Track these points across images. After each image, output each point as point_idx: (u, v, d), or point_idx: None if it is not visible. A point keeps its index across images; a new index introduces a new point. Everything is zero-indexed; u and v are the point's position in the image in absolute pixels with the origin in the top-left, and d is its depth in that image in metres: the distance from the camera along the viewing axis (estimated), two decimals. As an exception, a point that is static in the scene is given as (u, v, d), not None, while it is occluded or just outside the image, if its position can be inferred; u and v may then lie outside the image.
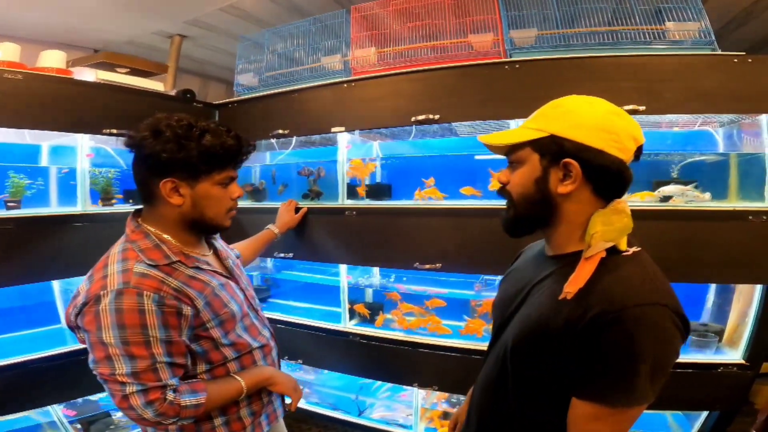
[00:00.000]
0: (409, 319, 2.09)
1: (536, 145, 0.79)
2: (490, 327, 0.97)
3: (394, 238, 1.95)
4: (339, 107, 2.02)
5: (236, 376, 1.06)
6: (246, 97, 2.33)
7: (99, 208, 1.95)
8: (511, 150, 0.83)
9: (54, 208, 1.92)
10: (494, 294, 0.99)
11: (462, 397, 1.99)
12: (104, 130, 1.84)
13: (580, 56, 1.67)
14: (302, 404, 2.41)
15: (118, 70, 2.30)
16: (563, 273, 0.75)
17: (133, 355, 0.88)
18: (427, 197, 1.97)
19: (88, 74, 1.92)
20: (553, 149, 0.77)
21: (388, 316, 2.20)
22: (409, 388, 2.19)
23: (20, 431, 1.81)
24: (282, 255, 2.18)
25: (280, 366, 1.26)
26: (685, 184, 1.64)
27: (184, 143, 0.97)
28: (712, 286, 1.91)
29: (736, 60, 1.52)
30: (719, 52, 1.61)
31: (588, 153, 0.74)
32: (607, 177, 0.75)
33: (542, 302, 0.78)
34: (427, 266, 1.87)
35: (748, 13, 2.47)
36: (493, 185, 1.74)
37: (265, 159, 2.64)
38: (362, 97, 1.97)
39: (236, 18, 2.62)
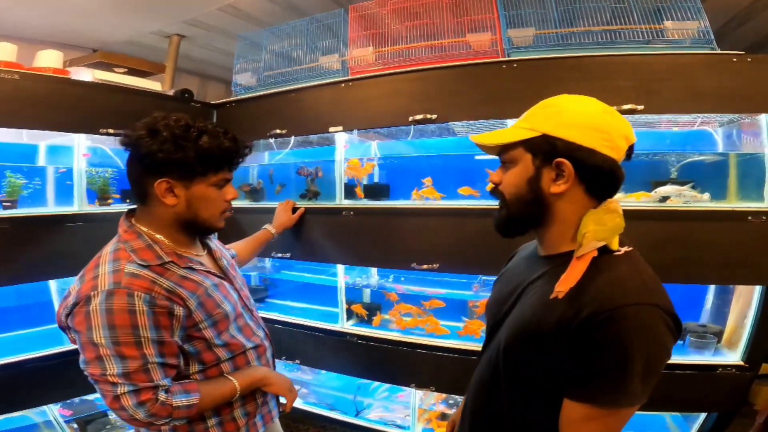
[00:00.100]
0: (406, 319, 2.08)
1: (528, 144, 0.78)
2: (487, 328, 0.96)
3: (392, 238, 1.94)
4: (337, 107, 2.01)
5: (230, 377, 1.05)
6: (244, 96, 2.32)
7: (96, 208, 1.95)
8: (503, 150, 0.82)
9: (51, 207, 1.92)
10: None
11: (459, 398, 1.99)
12: (101, 130, 1.84)
13: (578, 55, 1.66)
14: (300, 404, 2.40)
15: (116, 69, 2.30)
16: (556, 273, 0.75)
17: (124, 356, 0.88)
18: (424, 197, 1.96)
19: (85, 74, 1.92)
20: (546, 149, 0.76)
21: (386, 316, 2.19)
22: (406, 388, 2.19)
23: (17, 430, 1.81)
24: (279, 255, 2.17)
25: (275, 366, 1.26)
26: (682, 184, 1.63)
27: (181, 143, 0.97)
28: (711, 287, 1.89)
29: (735, 59, 1.51)
30: (718, 51, 1.60)
31: (580, 152, 0.74)
32: (600, 176, 0.75)
33: (535, 302, 0.78)
34: (425, 266, 1.86)
35: (747, 13, 2.45)
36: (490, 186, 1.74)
37: (264, 159, 2.64)
38: (360, 96, 1.97)
39: (234, 18, 2.62)
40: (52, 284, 1.99)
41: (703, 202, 1.62)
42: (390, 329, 2.10)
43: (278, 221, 1.93)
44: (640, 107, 1.55)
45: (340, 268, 2.21)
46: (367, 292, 2.35)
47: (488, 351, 0.89)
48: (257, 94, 2.28)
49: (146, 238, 1.00)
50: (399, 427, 2.21)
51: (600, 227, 0.73)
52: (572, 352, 0.69)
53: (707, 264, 1.57)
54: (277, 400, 1.24)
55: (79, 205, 1.90)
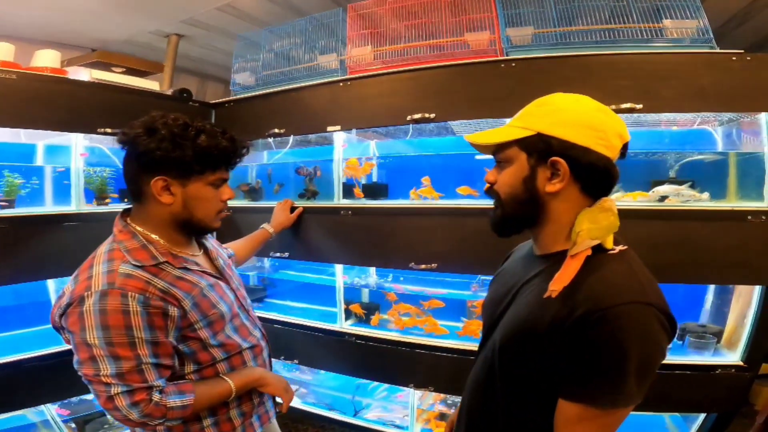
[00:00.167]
0: (405, 319, 2.07)
1: (523, 143, 0.78)
2: (485, 328, 0.95)
3: (390, 237, 1.94)
4: (335, 106, 2.01)
5: (225, 377, 1.05)
6: (242, 96, 2.32)
7: (94, 208, 1.95)
8: (498, 149, 0.82)
9: (49, 207, 1.92)
10: (489, 295, 0.98)
11: (458, 399, 1.98)
12: (99, 130, 1.84)
13: (576, 54, 1.65)
14: (298, 404, 2.40)
15: (114, 69, 2.30)
16: (551, 272, 0.75)
17: (118, 356, 0.88)
18: (422, 196, 1.96)
19: (82, 74, 1.91)
20: (541, 147, 0.76)
21: (384, 316, 2.19)
22: (405, 388, 2.18)
23: (14, 430, 1.81)
24: (278, 255, 2.17)
25: (271, 366, 1.25)
26: (680, 183, 1.62)
27: (179, 142, 0.97)
28: (711, 287, 1.89)
29: (734, 58, 1.50)
30: (717, 50, 1.59)
31: (575, 151, 0.73)
32: (595, 175, 0.75)
33: (530, 302, 0.77)
34: (423, 266, 1.86)
35: (746, 13, 2.44)
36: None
37: (263, 158, 2.64)
38: (358, 95, 1.96)
39: (233, 17, 2.62)
40: (50, 284, 1.99)
41: (701, 201, 1.61)
42: (389, 329, 2.10)
43: (276, 220, 1.93)
44: (639, 106, 1.54)
45: (339, 268, 2.21)
46: (365, 292, 2.34)
47: (484, 351, 0.89)
48: (256, 93, 2.27)
49: (141, 238, 1.00)
50: (397, 427, 2.20)
51: (594, 226, 0.73)
52: (566, 352, 0.68)
53: (706, 264, 1.56)
54: (274, 400, 1.23)
55: (77, 204, 1.90)
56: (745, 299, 1.68)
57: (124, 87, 2.01)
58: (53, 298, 2.03)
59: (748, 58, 1.49)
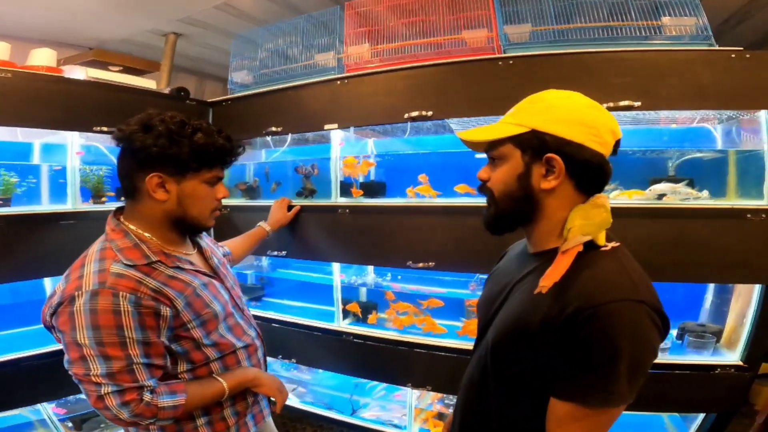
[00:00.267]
0: (402, 317, 2.07)
1: (517, 140, 0.77)
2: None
3: (388, 236, 1.93)
4: (332, 104, 2.00)
5: (218, 378, 1.04)
6: (240, 94, 2.31)
7: (90, 206, 1.94)
8: (491, 146, 0.81)
9: (45, 206, 1.91)
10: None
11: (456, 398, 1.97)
12: (95, 128, 1.84)
13: (574, 52, 1.64)
14: (296, 404, 2.40)
15: (111, 68, 2.29)
16: (543, 269, 0.74)
17: (108, 356, 0.87)
18: (418, 194, 1.95)
19: (78, 72, 1.91)
20: (535, 144, 0.75)
21: (382, 315, 2.18)
22: (403, 388, 2.17)
23: (11, 429, 1.81)
24: (275, 253, 2.16)
25: (266, 366, 1.25)
26: (676, 182, 1.61)
27: (176, 139, 0.97)
28: (711, 286, 1.87)
29: (733, 55, 1.49)
30: (716, 47, 1.58)
31: (570, 147, 0.73)
32: (589, 171, 0.74)
33: (522, 300, 0.77)
34: (420, 265, 1.85)
35: (746, 11, 2.42)
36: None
37: (260, 157, 2.63)
38: (355, 94, 1.96)
39: (231, 16, 2.61)
40: (47, 282, 1.99)
41: (700, 199, 1.60)
42: (386, 328, 2.09)
43: (273, 219, 1.92)
44: (638, 104, 1.53)
45: (336, 267, 2.20)
46: (363, 291, 2.34)
47: (478, 350, 0.89)
48: (253, 91, 2.27)
49: (133, 236, 0.99)
50: (396, 426, 2.20)
51: (586, 222, 0.73)
52: (558, 350, 0.67)
53: (706, 263, 1.55)
54: (269, 399, 1.23)
55: (73, 203, 1.90)
56: (745, 298, 1.67)
57: (121, 85, 2.00)
58: (50, 297, 2.03)
59: (748, 56, 1.48)
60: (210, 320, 1.04)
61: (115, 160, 1.04)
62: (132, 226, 1.01)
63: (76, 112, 1.81)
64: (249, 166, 2.52)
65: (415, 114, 1.80)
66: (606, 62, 1.58)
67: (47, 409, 1.90)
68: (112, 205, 1.99)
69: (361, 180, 2.10)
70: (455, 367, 1.86)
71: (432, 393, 2.13)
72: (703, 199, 1.60)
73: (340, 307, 2.18)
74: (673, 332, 1.81)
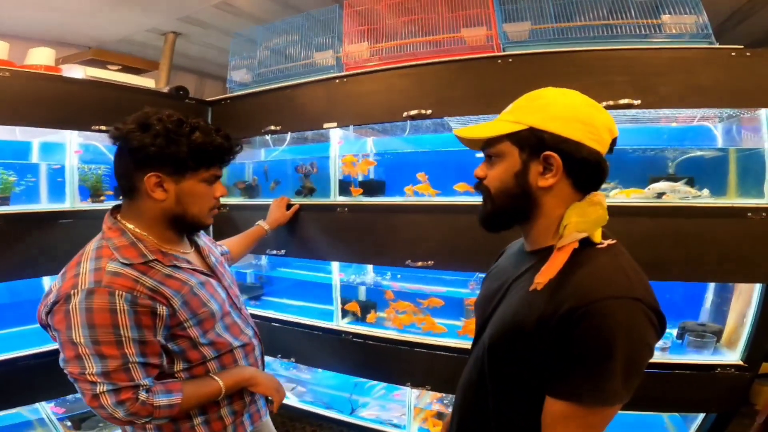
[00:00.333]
0: (401, 316, 2.06)
1: (515, 138, 0.76)
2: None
3: (387, 235, 1.93)
4: (331, 103, 2.00)
5: (215, 377, 1.04)
6: (239, 93, 2.31)
7: (89, 205, 1.95)
8: (488, 144, 0.80)
9: (44, 204, 1.91)
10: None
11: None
12: (93, 127, 1.84)
13: (573, 50, 1.64)
14: (295, 403, 2.39)
15: (110, 67, 2.29)
16: (540, 267, 0.73)
17: (104, 355, 0.87)
18: (417, 192, 1.94)
19: (77, 71, 1.91)
20: (533, 142, 0.75)
21: (381, 314, 2.17)
22: (402, 387, 2.17)
23: (10, 428, 1.81)
24: (274, 252, 2.16)
25: (263, 365, 1.24)
26: (675, 180, 1.60)
27: (174, 138, 0.96)
28: (711, 286, 1.87)
29: (734, 53, 1.48)
30: (716, 45, 1.57)
31: (567, 145, 0.73)
32: (587, 169, 0.74)
33: (519, 298, 0.76)
34: (420, 264, 1.84)
35: (747, 9, 2.41)
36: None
37: (260, 155, 2.63)
38: (354, 92, 1.95)
39: (230, 15, 2.61)
40: (45, 281, 1.99)
41: (701, 198, 1.59)
42: (386, 327, 2.09)
43: (272, 217, 1.92)
44: (637, 102, 1.52)
45: (335, 266, 2.20)
46: (362, 290, 2.33)
47: (476, 349, 0.88)
48: (252, 90, 2.27)
49: (130, 235, 0.99)
50: (395, 426, 2.19)
51: (582, 219, 0.72)
52: (553, 349, 0.67)
53: (706, 261, 1.54)
54: (266, 398, 1.22)
55: (72, 202, 1.90)
56: (745, 298, 1.66)
57: (119, 84, 2.00)
58: (49, 296, 2.03)
59: (748, 54, 1.47)
60: (207, 319, 1.04)
61: (113, 159, 1.03)
62: (129, 225, 1.01)
63: (75, 111, 1.81)
64: (248, 165, 2.51)
65: (414, 112, 1.79)
66: (606, 60, 1.58)
67: (46, 409, 1.90)
68: (111, 204, 1.98)
69: (360, 179, 2.10)
70: (455, 367, 1.84)
71: (431, 392, 2.13)
72: (704, 198, 1.59)
73: (339, 306, 2.18)
74: (674, 332, 1.81)
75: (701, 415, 1.77)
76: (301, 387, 2.53)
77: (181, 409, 0.96)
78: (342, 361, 2.13)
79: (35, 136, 2.00)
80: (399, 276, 2.31)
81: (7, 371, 1.67)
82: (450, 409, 2.12)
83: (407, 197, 1.97)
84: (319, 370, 2.44)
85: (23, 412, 1.84)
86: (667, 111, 1.66)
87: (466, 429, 0.87)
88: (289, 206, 2.04)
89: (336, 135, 2.10)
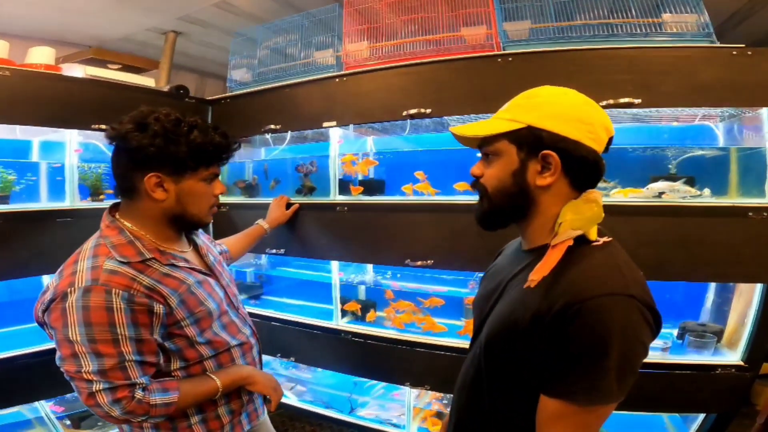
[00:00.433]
0: (399, 315, 2.06)
1: (513, 136, 0.76)
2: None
3: (386, 234, 1.92)
4: (330, 102, 2.00)
5: (212, 375, 1.04)
6: (239, 92, 2.31)
7: (88, 204, 1.95)
8: (485, 142, 0.80)
9: (44, 203, 1.92)
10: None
11: (454, 397, 1.96)
12: (93, 126, 1.84)
13: (574, 49, 1.63)
14: (295, 402, 2.39)
15: (110, 66, 2.29)
16: (535, 265, 0.73)
17: (100, 353, 0.86)
18: (416, 191, 1.94)
19: (77, 70, 1.91)
20: (531, 141, 0.74)
21: (380, 313, 2.17)
22: (401, 387, 2.17)
23: (9, 427, 1.81)
24: (273, 251, 2.16)
25: (261, 364, 1.24)
26: (675, 179, 1.60)
27: (172, 138, 0.96)
28: (712, 285, 1.86)
29: (735, 52, 1.48)
30: (717, 44, 1.57)
31: (566, 144, 0.72)
32: (585, 168, 0.74)
33: (514, 297, 0.76)
34: (419, 263, 1.84)
35: (748, 9, 2.40)
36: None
37: (260, 155, 2.63)
38: (354, 91, 1.95)
39: (230, 14, 2.61)
40: (45, 280, 1.98)
41: (700, 197, 1.58)
42: (385, 327, 2.08)
43: (271, 216, 1.92)
44: (638, 101, 1.52)
45: (335, 265, 2.20)
46: (362, 289, 2.33)
47: (473, 348, 0.88)
48: (252, 89, 2.27)
49: (128, 233, 0.99)
50: (394, 425, 2.19)
51: (577, 216, 0.72)
52: (548, 347, 0.67)
53: (707, 261, 1.53)
54: (264, 398, 1.22)
55: (71, 200, 1.90)
56: (746, 298, 1.65)
57: (119, 83, 2.00)
58: (48, 294, 2.03)
59: (749, 53, 1.47)
60: (204, 318, 1.03)
61: (111, 159, 1.03)
62: (127, 223, 1.01)
63: (75, 110, 1.81)
64: (248, 164, 2.51)
65: (413, 111, 1.79)
66: (606, 59, 1.57)
67: (45, 407, 1.90)
68: (111, 203, 1.99)
69: (360, 178, 2.10)
70: (454, 367, 1.82)
71: (431, 392, 2.12)
72: (705, 197, 1.58)
73: (339, 305, 2.18)
74: (674, 332, 1.80)
75: (701, 416, 1.77)
76: (301, 386, 2.53)
77: (178, 408, 0.96)
78: (341, 361, 2.13)
79: (35, 135, 2.00)
80: (399, 275, 2.30)
81: (6, 370, 1.67)
82: (449, 409, 2.12)
83: (407, 196, 1.96)
84: (319, 369, 2.44)
85: (22, 410, 1.84)
86: (668, 110, 1.66)
87: (463, 428, 0.87)
88: (288, 205, 2.04)
89: (336, 134, 2.10)
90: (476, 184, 0.82)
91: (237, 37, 2.40)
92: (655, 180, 1.63)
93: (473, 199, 1.73)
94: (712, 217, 1.51)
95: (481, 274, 1.00)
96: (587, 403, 0.65)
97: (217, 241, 1.48)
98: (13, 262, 1.70)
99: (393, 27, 2.00)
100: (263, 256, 2.65)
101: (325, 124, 1.98)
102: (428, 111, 1.78)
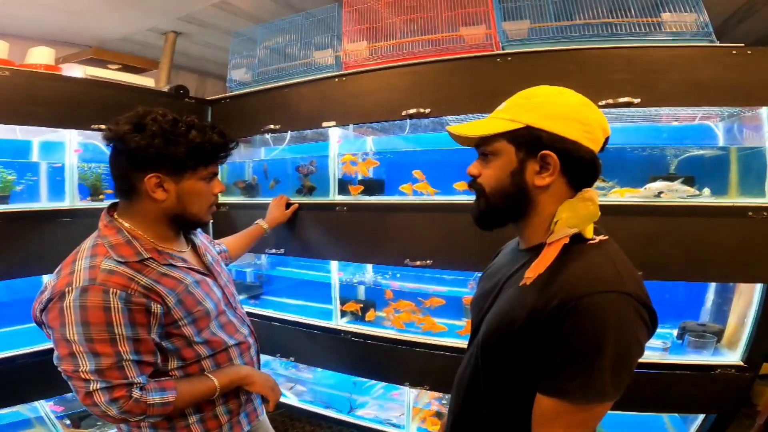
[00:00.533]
0: (398, 314, 2.06)
1: (511, 136, 0.76)
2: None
3: (385, 234, 1.92)
4: (330, 102, 2.00)
5: (210, 375, 1.04)
6: (238, 92, 2.31)
7: (88, 204, 1.95)
8: (483, 142, 0.80)
9: (44, 203, 1.92)
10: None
11: (454, 397, 1.96)
12: (93, 126, 1.84)
13: (573, 48, 1.63)
14: (295, 402, 2.39)
15: (110, 66, 2.29)
16: (532, 264, 0.73)
17: (97, 353, 0.86)
18: (415, 191, 1.94)
19: (76, 71, 1.91)
20: (530, 141, 0.74)
21: (380, 313, 2.17)
22: (401, 387, 2.17)
23: (9, 426, 1.81)
24: (273, 251, 2.16)
25: (259, 363, 1.24)
26: (672, 179, 1.59)
27: (171, 138, 0.96)
28: (712, 285, 1.85)
29: (734, 52, 1.47)
30: (717, 44, 1.56)
31: (564, 144, 0.72)
32: (583, 168, 0.74)
33: (511, 295, 0.76)
34: (418, 263, 1.84)
35: (748, 8, 2.39)
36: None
37: (260, 154, 2.63)
38: (353, 91, 1.95)
39: (230, 14, 2.61)
40: (45, 280, 1.98)
41: (700, 197, 1.58)
42: (384, 327, 2.08)
43: (271, 216, 1.92)
44: (637, 100, 1.51)
45: (334, 265, 2.20)
46: (362, 289, 2.33)
47: (470, 348, 0.88)
48: (252, 89, 2.27)
49: (126, 233, 0.99)
50: (394, 425, 2.19)
51: (573, 215, 0.72)
52: (543, 345, 0.67)
53: (706, 261, 1.53)
54: (263, 398, 1.22)
55: (71, 200, 1.90)
56: (746, 298, 1.65)
57: (119, 84, 2.01)
58: (47, 294, 2.03)
59: (749, 52, 1.46)
60: (201, 318, 1.03)
61: (109, 160, 1.02)
62: (126, 224, 1.01)
63: (75, 110, 1.82)
64: (248, 164, 2.51)
65: (412, 111, 1.79)
66: (605, 59, 1.57)
67: (45, 407, 1.90)
68: (109, 203, 2.00)
69: (359, 177, 2.10)
70: (453, 367, 1.83)
71: (430, 392, 2.12)
72: (705, 197, 1.58)
73: (338, 305, 2.18)
74: (674, 332, 1.80)
75: (701, 416, 1.76)
76: (301, 386, 2.53)
77: (175, 408, 0.96)
78: (341, 361, 2.13)
79: (35, 135, 2.01)
80: (398, 275, 2.30)
81: (6, 370, 1.67)
82: (448, 409, 2.12)
83: (407, 196, 1.96)
84: (319, 369, 2.44)
85: (22, 410, 1.84)
86: (668, 109, 1.65)
87: (460, 427, 0.87)
88: (288, 205, 2.04)
89: (335, 134, 2.10)
90: (474, 184, 0.82)
91: (236, 37, 2.40)
92: (654, 180, 1.63)
93: (472, 198, 1.73)
94: (712, 217, 1.51)
95: (480, 274, 1.00)
96: (582, 402, 0.64)
97: (217, 241, 1.48)
98: (13, 262, 1.70)
99: (392, 27, 2.00)
100: (263, 256, 2.65)
101: (324, 124, 1.98)
102: (427, 111, 1.78)
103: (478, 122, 0.79)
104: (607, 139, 0.76)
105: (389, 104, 1.85)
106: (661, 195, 1.58)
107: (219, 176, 1.12)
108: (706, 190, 1.59)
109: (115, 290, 0.88)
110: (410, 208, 1.89)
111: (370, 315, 2.15)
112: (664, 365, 1.62)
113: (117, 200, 1.06)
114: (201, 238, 1.24)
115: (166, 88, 2.29)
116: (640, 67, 1.53)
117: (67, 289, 0.87)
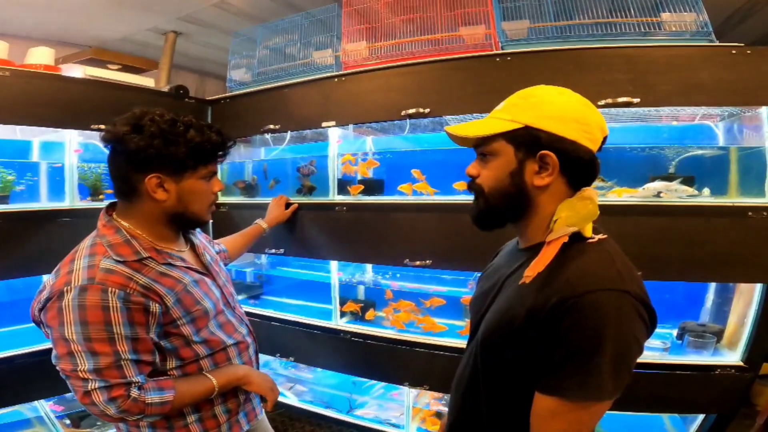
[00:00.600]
0: (397, 314, 2.06)
1: (510, 136, 0.76)
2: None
3: (385, 234, 1.92)
4: (329, 102, 2.00)
5: (208, 375, 1.03)
6: (238, 92, 2.32)
7: (88, 204, 1.96)
8: (482, 142, 0.79)
9: (43, 203, 1.92)
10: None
11: (453, 397, 1.96)
12: (93, 126, 1.84)
13: (573, 48, 1.63)
14: (295, 402, 2.39)
15: (109, 66, 2.29)
16: (531, 263, 0.73)
17: (96, 352, 0.86)
18: (414, 190, 1.93)
19: (76, 71, 1.92)
20: (529, 141, 0.74)
21: (380, 313, 2.17)
22: (400, 387, 2.17)
23: (9, 426, 1.81)
24: (273, 251, 2.16)
25: (258, 363, 1.24)
26: (671, 179, 1.59)
27: (170, 138, 0.96)
28: (712, 286, 1.85)
29: (734, 51, 1.47)
30: (716, 43, 1.56)
31: (563, 144, 0.72)
32: (582, 168, 0.74)
33: (510, 294, 0.76)
34: (417, 263, 1.84)
35: (748, 8, 2.39)
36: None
37: (260, 154, 2.63)
38: (352, 91, 1.95)
39: (229, 14, 2.61)
40: (44, 279, 1.99)
41: (699, 197, 1.58)
42: (384, 326, 2.08)
43: (270, 216, 1.92)
44: (637, 100, 1.51)
45: (334, 265, 2.20)
46: (361, 289, 2.33)
47: (470, 347, 0.88)
48: (251, 89, 2.27)
49: (124, 233, 0.99)
50: (394, 425, 2.19)
51: (572, 213, 0.72)
52: (542, 343, 0.66)
53: (707, 261, 1.53)
54: (261, 397, 1.22)
55: (71, 200, 1.90)
56: (746, 298, 1.64)
57: (119, 84, 2.01)
58: (47, 294, 2.03)
59: (749, 52, 1.46)
60: (200, 317, 1.03)
61: (107, 161, 1.02)
62: (124, 223, 1.01)
63: (74, 110, 1.82)
64: (247, 164, 2.51)
65: (412, 111, 1.79)
66: (605, 58, 1.57)
67: (44, 407, 1.91)
68: (109, 202, 2.00)
69: (359, 177, 2.10)
70: (453, 367, 1.83)
71: (430, 392, 2.12)
72: (704, 197, 1.58)
73: (338, 305, 2.18)
74: (674, 332, 1.79)
75: (701, 416, 1.76)
76: (300, 386, 2.53)
77: (174, 407, 0.96)
78: (341, 361, 2.13)
79: (35, 135, 2.01)
80: (398, 275, 2.30)
81: (6, 369, 1.67)
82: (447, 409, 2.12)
83: (406, 196, 1.96)
84: (319, 369, 2.44)
85: (22, 410, 1.84)
86: (668, 109, 1.65)
87: (459, 427, 0.87)
88: (287, 205, 2.04)
89: (335, 134, 2.10)
90: (472, 184, 0.82)
91: (236, 37, 2.41)
92: (654, 180, 1.62)
93: (472, 198, 1.73)
94: (712, 217, 1.51)
95: (480, 274, 1.00)
96: (581, 400, 0.64)
97: (216, 241, 1.48)
98: (13, 262, 1.70)
99: (392, 27, 2.00)
100: (263, 255, 2.65)
101: (324, 124, 1.98)
102: (427, 111, 1.78)
103: (477, 122, 0.79)
104: (605, 139, 0.76)
105: (389, 104, 1.85)
106: (660, 195, 1.58)
107: (219, 176, 1.12)
108: (706, 190, 1.59)
109: (113, 289, 0.88)
110: (410, 208, 1.89)
111: (370, 315, 2.15)
112: (663, 365, 1.61)
113: (116, 200, 1.06)
114: (200, 237, 1.24)
115: (166, 88, 2.29)
116: (639, 66, 1.53)
117: (65, 288, 0.87)
